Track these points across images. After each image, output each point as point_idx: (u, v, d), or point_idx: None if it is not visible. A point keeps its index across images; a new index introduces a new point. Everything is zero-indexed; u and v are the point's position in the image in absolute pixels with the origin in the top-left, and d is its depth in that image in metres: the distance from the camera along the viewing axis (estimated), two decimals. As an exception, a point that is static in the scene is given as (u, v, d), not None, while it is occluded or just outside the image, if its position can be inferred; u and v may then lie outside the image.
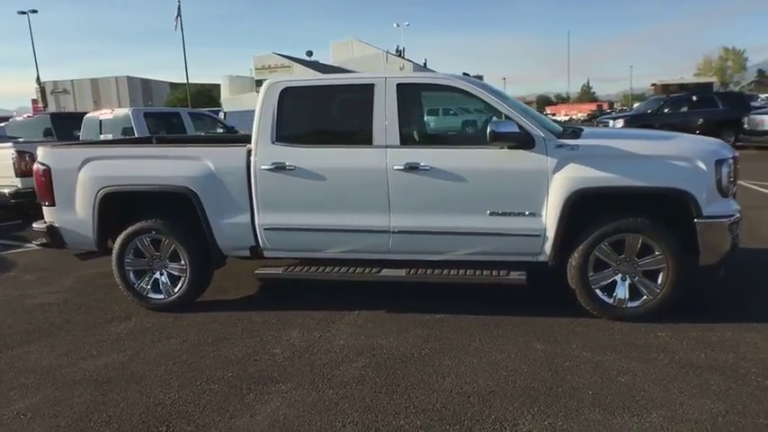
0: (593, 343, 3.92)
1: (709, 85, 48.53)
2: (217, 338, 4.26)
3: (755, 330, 3.99)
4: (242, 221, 4.62)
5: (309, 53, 49.36)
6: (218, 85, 55.04)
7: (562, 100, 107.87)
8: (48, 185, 4.90)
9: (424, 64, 56.99)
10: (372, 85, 4.47)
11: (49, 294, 5.56)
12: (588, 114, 58.34)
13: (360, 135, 4.51)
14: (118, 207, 4.84)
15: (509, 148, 4.20)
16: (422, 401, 3.23)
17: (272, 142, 4.53)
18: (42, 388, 3.58)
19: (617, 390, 3.29)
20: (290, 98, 4.61)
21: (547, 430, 2.92)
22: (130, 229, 4.80)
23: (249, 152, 4.57)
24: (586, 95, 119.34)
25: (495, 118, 4.33)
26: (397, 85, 4.43)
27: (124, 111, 10.11)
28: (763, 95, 25.89)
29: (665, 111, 19.13)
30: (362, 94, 4.52)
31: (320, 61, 50.55)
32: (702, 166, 4.05)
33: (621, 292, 4.24)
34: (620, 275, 4.24)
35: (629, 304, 4.23)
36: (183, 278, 4.82)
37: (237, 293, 5.33)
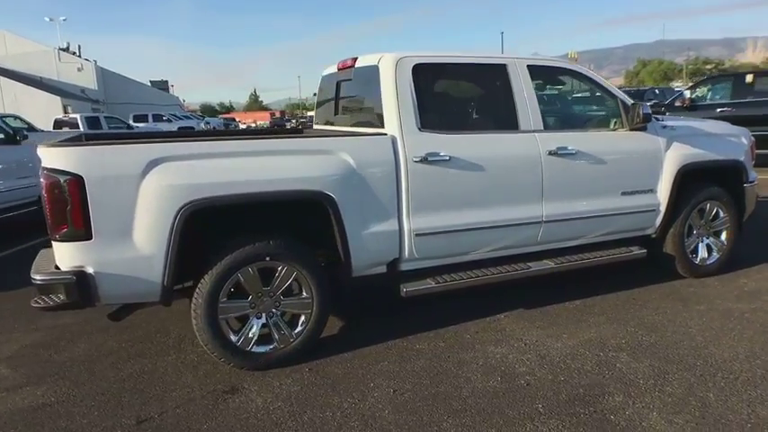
0: (716, 297, 4.46)
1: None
2: (430, 375, 3.33)
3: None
4: (388, 229, 3.68)
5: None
6: None
7: (226, 109, 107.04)
8: (78, 207, 2.99)
9: (95, 63, 50.01)
10: (505, 65, 4.12)
11: (26, 391, 3.35)
12: (270, 122, 60.31)
13: (504, 119, 4.10)
14: (204, 229, 3.29)
15: (631, 129, 4.43)
16: (718, 360, 3.30)
17: (419, 129, 3.74)
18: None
19: (796, 323, 3.91)
20: (425, 77, 3.88)
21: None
22: (229, 258, 3.30)
23: (393, 142, 3.67)
24: (255, 104, 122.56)
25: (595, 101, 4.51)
26: (528, 66, 4.18)
27: None
28: None
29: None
30: (497, 75, 4.13)
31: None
32: (744, 140, 5.03)
33: (702, 252, 4.92)
34: (699, 238, 4.91)
35: (708, 262, 4.94)
36: (304, 315, 3.56)
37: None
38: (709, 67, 72.51)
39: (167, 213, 3.11)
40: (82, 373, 3.58)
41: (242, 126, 49.47)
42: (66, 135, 13.26)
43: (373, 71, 3.87)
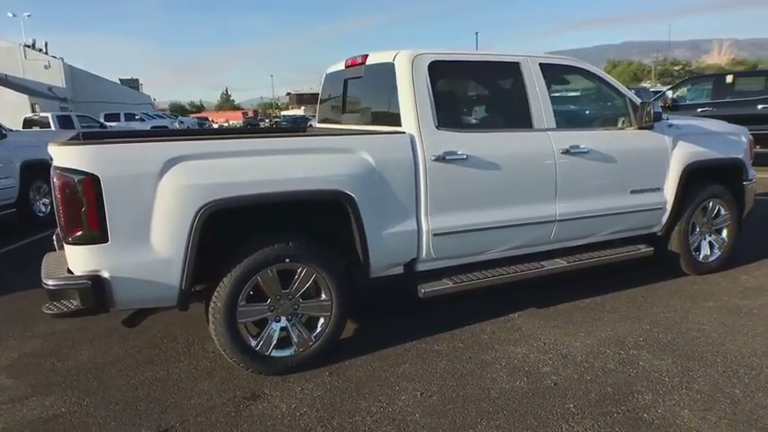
0: (722, 294, 4.52)
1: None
2: (454, 376, 3.29)
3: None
4: (407, 229, 3.62)
5: None
6: None
7: (197, 108, 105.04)
8: (93, 208, 2.85)
9: (63, 61, 48.60)
10: (518, 63, 4.09)
11: (33, 401, 3.19)
12: (244, 122, 59.86)
13: (518, 117, 4.07)
14: (220, 231, 3.19)
15: (639, 128, 4.46)
16: (737, 356, 3.35)
17: (437, 127, 3.69)
18: None
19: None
20: (440, 75, 3.83)
21: None
22: (249, 260, 3.20)
23: (412, 140, 3.61)
24: (227, 104, 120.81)
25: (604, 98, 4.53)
26: (540, 65, 4.17)
27: None
28: None
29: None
30: (511, 73, 4.11)
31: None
32: (744, 139, 5.11)
33: (704, 249, 4.99)
34: (702, 236, 4.97)
35: (710, 259, 5.00)
36: (323, 318, 3.48)
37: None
38: (677, 68, 74.22)
39: (186, 214, 3.00)
40: (90, 382, 3.43)
41: (215, 126, 48.81)
42: (43, 133, 12.67)
43: (388, 68, 3.81)
